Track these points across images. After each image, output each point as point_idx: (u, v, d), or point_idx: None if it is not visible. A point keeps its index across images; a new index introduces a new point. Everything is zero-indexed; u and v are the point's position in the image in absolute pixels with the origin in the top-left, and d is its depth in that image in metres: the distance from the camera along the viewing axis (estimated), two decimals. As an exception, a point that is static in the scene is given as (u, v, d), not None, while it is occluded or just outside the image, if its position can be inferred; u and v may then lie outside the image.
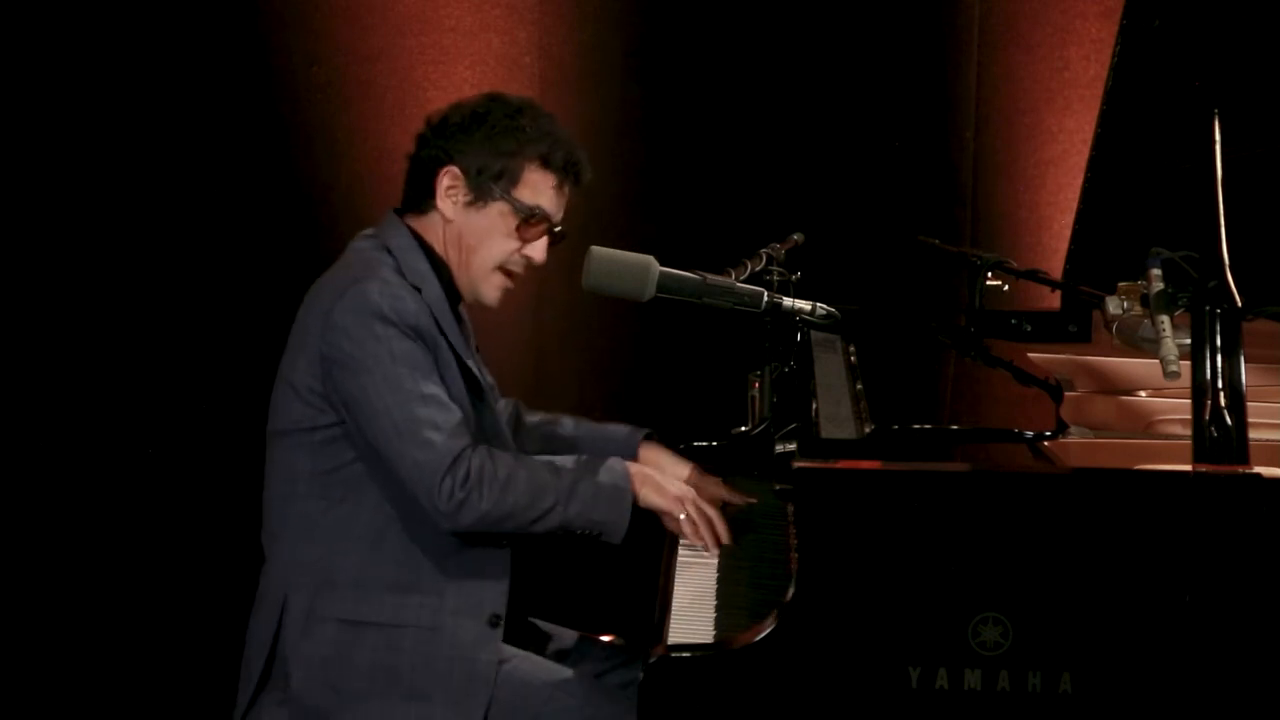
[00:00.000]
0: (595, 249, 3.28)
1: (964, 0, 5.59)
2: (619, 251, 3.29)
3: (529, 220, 3.28)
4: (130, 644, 5.12)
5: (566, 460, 3.28)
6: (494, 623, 3.21)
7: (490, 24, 5.44)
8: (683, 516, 3.31)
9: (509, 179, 3.26)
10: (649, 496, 3.30)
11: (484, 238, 3.28)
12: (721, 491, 3.52)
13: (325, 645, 3.17)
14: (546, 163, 3.27)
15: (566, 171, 3.30)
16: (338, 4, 5.36)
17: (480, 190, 3.26)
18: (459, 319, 3.34)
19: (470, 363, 3.29)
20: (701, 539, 3.33)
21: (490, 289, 3.32)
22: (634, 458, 3.56)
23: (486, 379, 3.39)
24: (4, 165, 5.09)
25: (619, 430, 3.64)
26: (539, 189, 3.28)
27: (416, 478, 3.12)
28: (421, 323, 3.18)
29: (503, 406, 3.56)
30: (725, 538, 3.35)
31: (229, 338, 5.25)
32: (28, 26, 5.08)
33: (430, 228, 3.30)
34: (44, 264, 5.14)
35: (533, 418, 3.67)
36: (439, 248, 3.30)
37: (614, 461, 3.30)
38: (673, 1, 5.54)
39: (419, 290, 3.22)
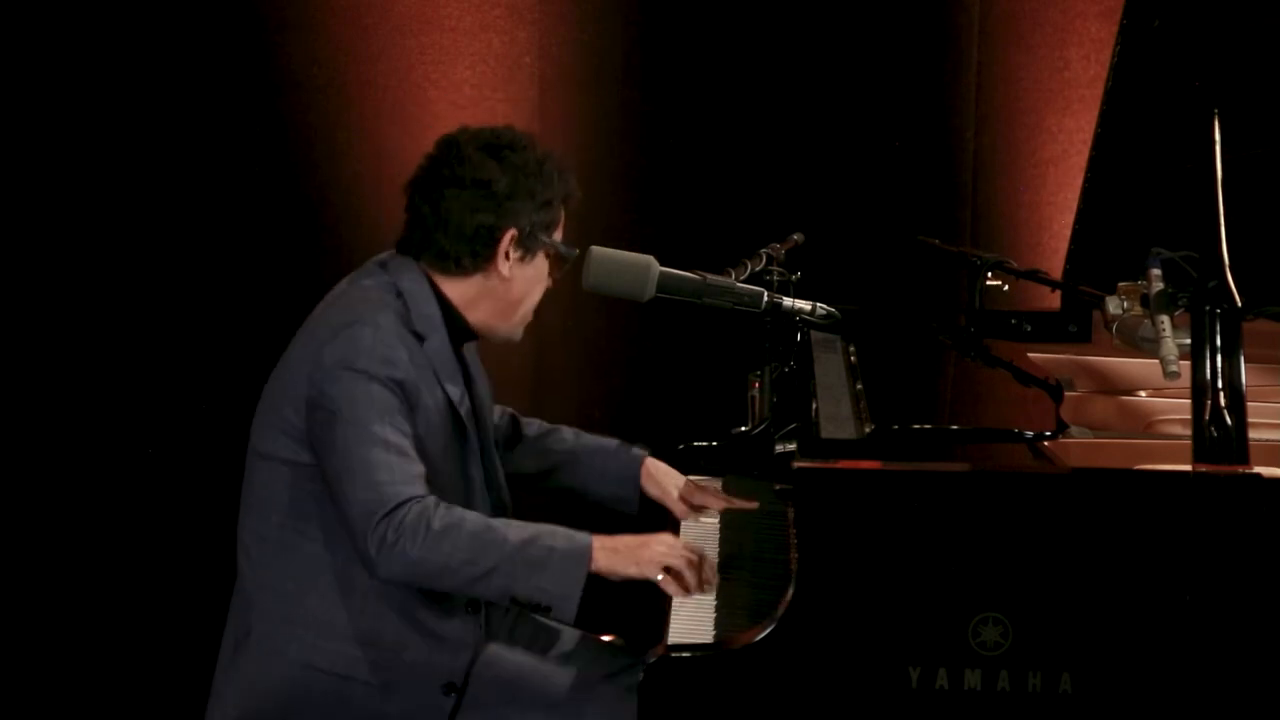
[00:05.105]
0: (595, 249, 3.28)
1: (964, 0, 5.59)
2: (619, 251, 3.29)
3: (563, 260, 3.28)
4: (128, 643, 5.12)
5: (529, 525, 3.10)
6: (448, 690, 3.13)
7: (490, 24, 5.43)
8: (661, 577, 3.05)
9: (552, 226, 3.24)
10: (621, 567, 3.05)
11: (531, 287, 3.25)
12: (719, 499, 3.51)
13: (274, 680, 3.12)
14: (565, 201, 3.25)
15: (569, 202, 3.28)
16: (338, 4, 5.35)
17: (531, 243, 3.21)
18: (462, 364, 3.26)
19: (463, 411, 3.21)
20: (699, 588, 3.08)
21: (523, 329, 3.30)
22: (636, 475, 3.52)
23: (482, 418, 3.32)
24: (4, 165, 5.09)
25: (619, 446, 3.57)
26: (561, 226, 3.27)
27: (355, 517, 3.02)
28: (409, 376, 3.09)
29: (496, 419, 3.50)
30: (712, 576, 3.11)
31: (229, 337, 5.25)
32: (26, 26, 5.08)
33: (464, 287, 3.22)
34: (45, 263, 5.14)
35: (530, 429, 3.58)
36: (462, 304, 3.22)
37: (578, 533, 3.07)
38: (673, 2, 5.54)
39: (423, 339, 3.16)
